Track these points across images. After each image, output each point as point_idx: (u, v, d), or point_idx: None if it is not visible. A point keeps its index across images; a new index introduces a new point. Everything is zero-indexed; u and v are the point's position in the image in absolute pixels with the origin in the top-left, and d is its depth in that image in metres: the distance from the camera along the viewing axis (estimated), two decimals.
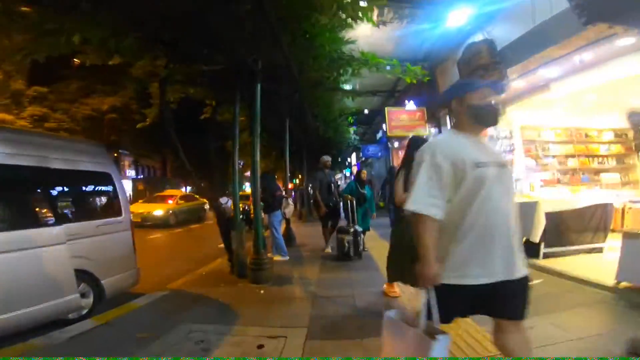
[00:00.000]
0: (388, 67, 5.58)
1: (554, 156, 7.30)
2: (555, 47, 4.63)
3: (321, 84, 6.04)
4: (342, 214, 6.97)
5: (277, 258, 6.01)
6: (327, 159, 6.88)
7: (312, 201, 15.37)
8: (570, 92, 6.38)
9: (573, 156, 7.46)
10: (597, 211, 4.50)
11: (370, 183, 7.20)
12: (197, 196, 15.21)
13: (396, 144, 13.92)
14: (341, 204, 6.70)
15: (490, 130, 7.66)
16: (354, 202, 6.04)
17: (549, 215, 4.38)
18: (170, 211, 13.37)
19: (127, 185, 31.27)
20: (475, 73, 5.42)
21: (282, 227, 7.65)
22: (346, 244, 5.73)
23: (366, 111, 13.33)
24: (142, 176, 35.91)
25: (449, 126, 8.16)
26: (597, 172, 7.50)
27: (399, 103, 10.28)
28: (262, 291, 4.31)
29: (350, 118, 11.95)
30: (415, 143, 3.37)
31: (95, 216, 3.98)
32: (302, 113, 7.62)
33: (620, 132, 7.83)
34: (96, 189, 4.26)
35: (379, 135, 15.84)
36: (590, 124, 7.72)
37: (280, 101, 6.66)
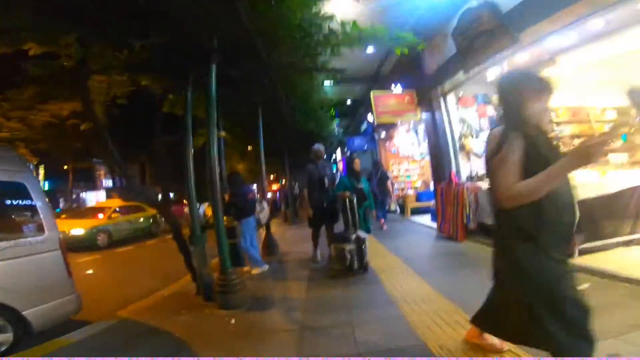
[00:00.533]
0: (370, 45, 4.75)
1: (559, 137, 6.66)
2: (569, 10, 3.91)
3: (296, 65, 5.11)
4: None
5: (256, 271, 5.13)
6: (320, 147, 5.58)
7: (297, 201, 14.47)
8: (578, 66, 5.74)
9: (578, 137, 6.85)
10: (633, 195, 3.77)
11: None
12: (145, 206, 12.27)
13: (383, 134, 13.14)
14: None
15: (490, 111, 7.00)
16: (354, 201, 4.89)
17: (579, 204, 3.58)
18: (98, 229, 10.60)
19: (101, 197, 29.72)
20: (477, 41, 4.61)
21: (261, 234, 6.77)
22: (348, 255, 4.45)
23: (349, 102, 12.52)
24: (119, 185, 34.10)
25: (442, 108, 7.46)
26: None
27: (384, 89, 9.48)
28: (232, 320, 3.39)
29: (332, 110, 11.09)
30: (527, 77, 1.73)
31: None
32: (277, 103, 6.71)
33: (622, 111, 7.34)
34: (3, 203, 3.25)
35: (364, 126, 15.04)
36: (591, 102, 7.18)
37: (251, 89, 5.73)
